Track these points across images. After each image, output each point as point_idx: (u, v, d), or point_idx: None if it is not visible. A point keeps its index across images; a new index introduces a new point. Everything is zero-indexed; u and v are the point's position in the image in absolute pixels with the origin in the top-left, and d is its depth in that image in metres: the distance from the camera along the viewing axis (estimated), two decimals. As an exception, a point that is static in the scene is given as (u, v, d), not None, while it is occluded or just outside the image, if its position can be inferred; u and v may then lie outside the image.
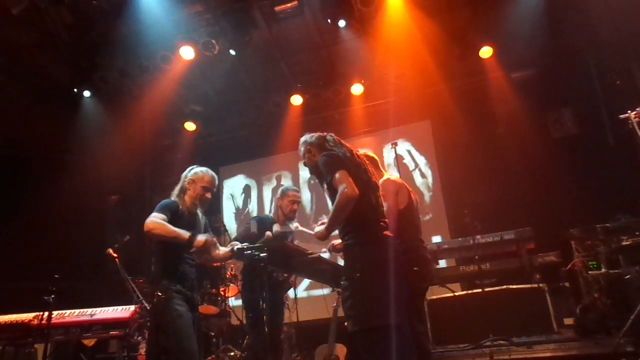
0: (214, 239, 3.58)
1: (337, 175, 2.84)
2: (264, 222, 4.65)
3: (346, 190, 2.77)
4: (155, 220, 3.30)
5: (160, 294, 3.29)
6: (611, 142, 6.96)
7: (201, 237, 3.37)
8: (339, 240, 3.17)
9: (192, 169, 3.69)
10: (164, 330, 3.23)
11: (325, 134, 3.21)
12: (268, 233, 4.36)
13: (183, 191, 3.60)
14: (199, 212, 3.69)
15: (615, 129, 6.84)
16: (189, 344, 3.22)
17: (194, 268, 3.57)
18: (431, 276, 3.92)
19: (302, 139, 3.26)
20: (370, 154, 3.95)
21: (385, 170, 4.07)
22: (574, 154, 7.14)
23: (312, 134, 3.24)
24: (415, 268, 3.51)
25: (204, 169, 3.69)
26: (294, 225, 4.72)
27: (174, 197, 3.59)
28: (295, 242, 4.88)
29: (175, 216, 3.43)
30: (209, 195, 3.64)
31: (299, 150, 3.27)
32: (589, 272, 5.09)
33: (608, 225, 4.99)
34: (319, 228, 3.06)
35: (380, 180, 3.68)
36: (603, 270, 4.89)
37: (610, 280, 4.78)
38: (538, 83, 7.62)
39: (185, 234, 3.32)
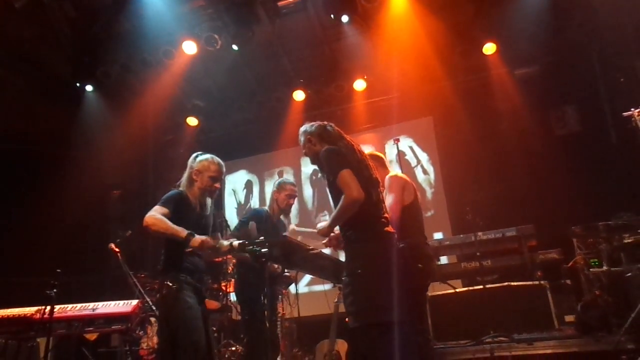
0: (215, 240, 3.43)
1: (341, 175, 2.83)
2: (259, 216, 4.59)
3: (353, 193, 2.77)
4: (155, 215, 3.20)
5: (170, 284, 3.20)
6: (614, 140, 6.94)
7: (198, 238, 3.19)
8: (333, 234, 3.15)
9: (197, 156, 3.56)
10: (172, 321, 3.15)
11: (325, 123, 3.20)
12: (252, 223, 4.28)
13: (191, 182, 3.47)
14: (208, 202, 3.59)
15: (618, 127, 6.81)
16: (198, 338, 3.14)
17: (202, 261, 3.49)
18: (433, 273, 3.93)
19: (302, 129, 3.25)
20: (377, 153, 3.97)
21: (391, 168, 4.07)
22: (576, 152, 7.11)
23: (312, 124, 3.22)
24: (419, 265, 3.51)
25: (208, 156, 3.55)
26: (291, 227, 4.67)
27: (182, 187, 3.47)
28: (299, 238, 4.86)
29: (180, 207, 3.33)
30: (217, 185, 3.51)
31: (299, 140, 3.26)
32: (591, 269, 5.08)
33: (610, 223, 4.99)
34: (321, 224, 3.06)
35: (387, 176, 3.69)
36: (605, 267, 4.89)
37: (611, 278, 4.78)
38: (541, 80, 7.58)
39: (182, 232, 3.17)
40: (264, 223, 4.52)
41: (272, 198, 4.77)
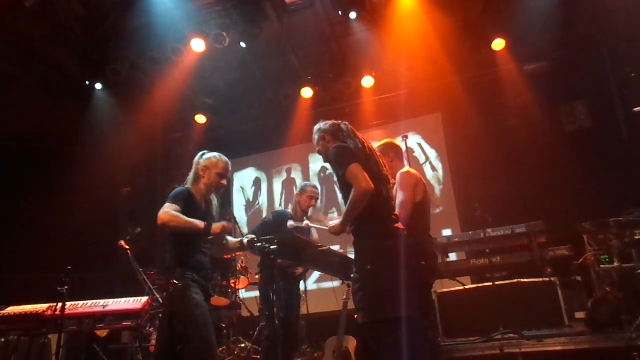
0: (230, 225, 3.51)
1: (350, 168, 2.84)
2: (282, 217, 4.77)
3: (362, 184, 2.77)
4: (170, 212, 3.21)
5: (176, 282, 3.21)
6: (625, 135, 6.87)
7: (218, 224, 3.31)
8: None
9: (203, 153, 3.59)
10: (180, 319, 3.14)
11: (339, 121, 3.23)
12: (290, 222, 4.45)
13: (197, 178, 3.51)
14: (213, 198, 3.63)
15: (629, 122, 6.76)
16: (208, 334, 3.16)
17: (208, 258, 3.50)
18: (437, 271, 3.91)
19: (317, 127, 3.27)
20: (396, 142, 3.95)
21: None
22: (586, 148, 7.05)
23: (326, 122, 3.25)
24: (422, 262, 3.50)
25: (216, 154, 3.58)
26: (304, 222, 4.73)
27: (188, 184, 3.50)
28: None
29: (188, 205, 3.34)
30: (224, 181, 3.54)
31: (313, 138, 3.28)
32: (601, 265, 5.04)
33: (621, 219, 4.94)
34: (333, 222, 3.06)
35: (400, 171, 3.67)
36: (615, 264, 4.84)
37: (622, 274, 4.74)
38: (551, 75, 7.52)
39: (200, 223, 3.24)
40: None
41: (295, 201, 4.99)
